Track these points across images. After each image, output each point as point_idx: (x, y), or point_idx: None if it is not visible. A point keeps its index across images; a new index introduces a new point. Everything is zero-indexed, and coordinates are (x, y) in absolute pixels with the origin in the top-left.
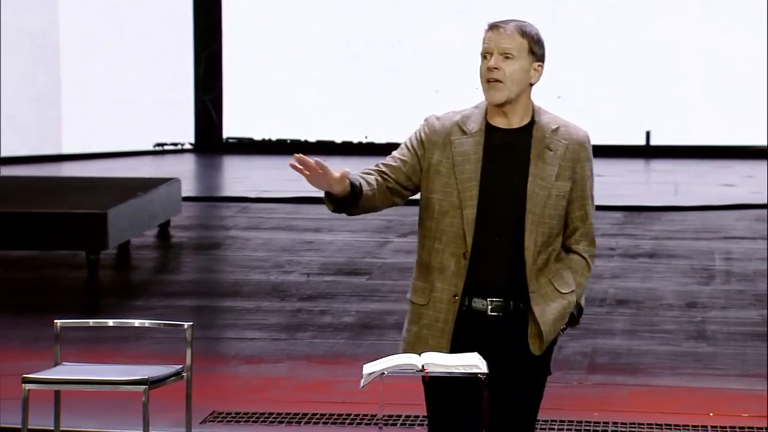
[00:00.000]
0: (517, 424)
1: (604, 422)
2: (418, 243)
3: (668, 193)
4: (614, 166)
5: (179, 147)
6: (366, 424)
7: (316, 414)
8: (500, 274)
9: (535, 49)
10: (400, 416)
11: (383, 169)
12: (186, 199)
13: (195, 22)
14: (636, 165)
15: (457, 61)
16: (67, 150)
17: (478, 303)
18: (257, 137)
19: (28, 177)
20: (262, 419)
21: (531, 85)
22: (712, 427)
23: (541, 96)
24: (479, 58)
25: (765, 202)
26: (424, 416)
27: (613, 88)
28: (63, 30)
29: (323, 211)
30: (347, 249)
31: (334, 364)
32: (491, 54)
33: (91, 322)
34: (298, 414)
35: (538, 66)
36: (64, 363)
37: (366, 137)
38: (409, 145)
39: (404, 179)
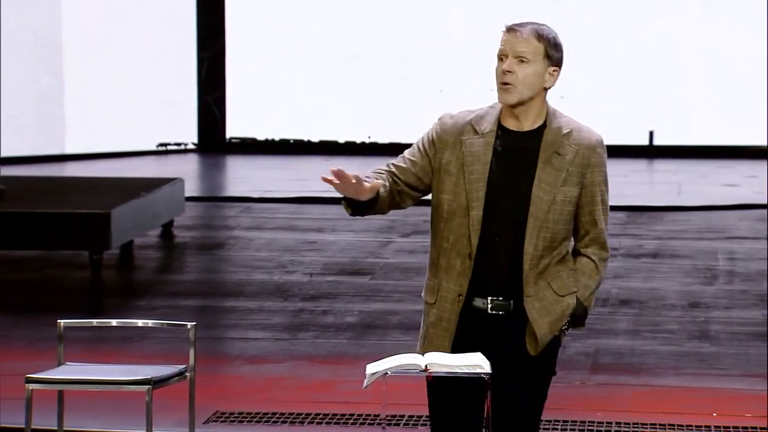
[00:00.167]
0: (519, 423)
1: (607, 422)
2: (430, 242)
3: (671, 193)
4: (617, 166)
5: (182, 147)
6: (369, 424)
7: (319, 414)
8: (501, 275)
9: (552, 53)
10: (403, 416)
11: (393, 170)
12: (189, 199)
13: (198, 22)
14: (639, 165)
15: (461, 61)
16: (70, 150)
17: (478, 302)
18: (260, 137)
19: (31, 177)
20: (265, 419)
21: (545, 89)
22: (715, 427)
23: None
24: (485, 59)
25: (766, 202)
26: (427, 416)
27: (616, 88)
28: (66, 30)
29: (326, 211)
30: (350, 249)
31: (336, 364)
32: (506, 56)
33: (95, 322)
34: (301, 414)
35: (554, 71)
36: (67, 363)
37: (369, 137)
38: (420, 146)
39: (414, 180)
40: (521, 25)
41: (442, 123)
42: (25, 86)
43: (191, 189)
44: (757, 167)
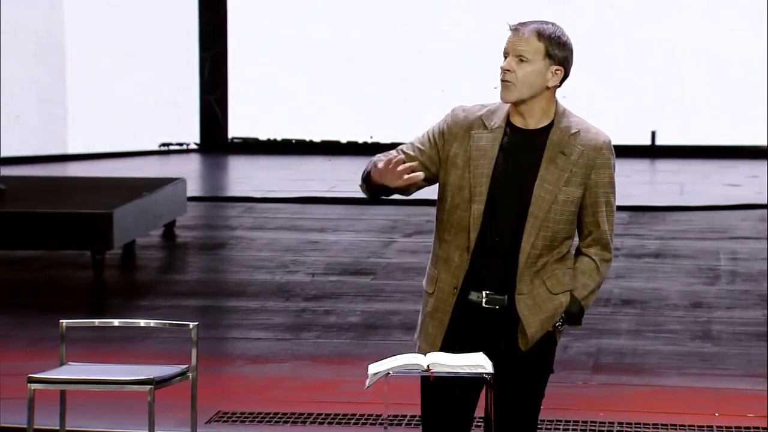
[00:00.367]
0: (515, 420)
1: (609, 422)
2: (434, 232)
3: (674, 193)
4: (619, 166)
5: (184, 147)
6: (371, 424)
7: (321, 414)
8: (497, 271)
9: (554, 52)
10: (405, 416)
11: (402, 157)
12: (191, 199)
13: (200, 22)
14: (641, 165)
15: (462, 60)
16: (72, 150)
17: (474, 295)
18: (262, 137)
19: (34, 177)
20: (267, 419)
21: (549, 88)
22: (718, 427)
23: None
24: (486, 58)
25: (765, 202)
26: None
27: (619, 88)
28: (68, 30)
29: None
30: (352, 249)
31: (339, 364)
32: (509, 55)
33: (97, 321)
34: (303, 414)
35: (557, 70)
36: (69, 363)
37: (371, 137)
38: (429, 135)
39: (420, 169)
40: (524, 24)
41: (454, 115)
42: (27, 86)
43: (193, 189)
44: (759, 167)
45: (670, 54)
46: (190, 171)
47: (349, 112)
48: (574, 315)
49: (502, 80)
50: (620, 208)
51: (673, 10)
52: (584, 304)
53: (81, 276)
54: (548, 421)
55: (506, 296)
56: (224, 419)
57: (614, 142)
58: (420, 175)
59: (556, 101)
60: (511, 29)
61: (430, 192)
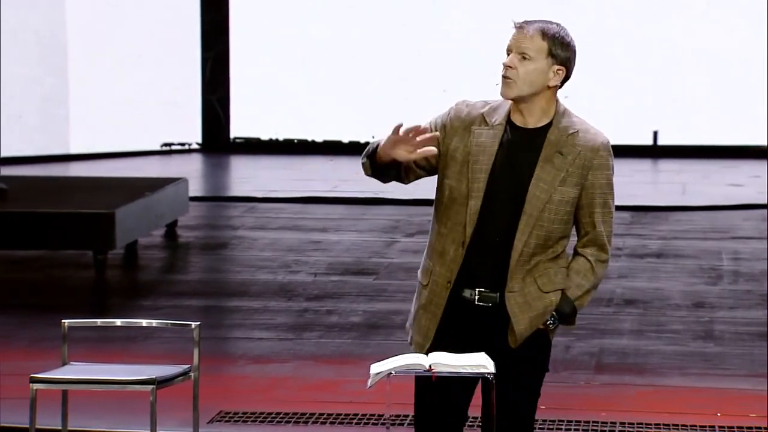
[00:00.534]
0: (510, 419)
1: (611, 422)
2: (431, 224)
3: (676, 192)
4: (621, 166)
5: (186, 147)
6: (373, 424)
7: (323, 414)
8: (490, 268)
9: (557, 51)
10: (408, 416)
11: (427, 126)
12: (193, 198)
13: (202, 22)
14: (643, 165)
15: (464, 60)
16: (74, 150)
17: (467, 292)
18: (264, 137)
19: (36, 177)
20: (269, 419)
21: (550, 87)
22: (720, 427)
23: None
24: (488, 58)
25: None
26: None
27: (621, 88)
28: (70, 30)
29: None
30: (354, 249)
31: (341, 363)
32: (512, 52)
33: (99, 321)
34: (305, 414)
35: (559, 69)
36: (71, 363)
37: (373, 137)
38: (431, 128)
39: (421, 160)
40: (529, 22)
41: (457, 109)
42: (29, 86)
43: (195, 189)
44: (761, 167)
45: (671, 54)
46: (192, 171)
47: (351, 112)
48: (566, 314)
49: (504, 76)
50: (622, 208)
51: (675, 10)
52: (578, 304)
53: (83, 276)
54: (550, 421)
55: (498, 294)
56: (226, 419)
57: (616, 142)
58: (433, 150)
59: (557, 101)
60: (515, 27)
61: (432, 192)
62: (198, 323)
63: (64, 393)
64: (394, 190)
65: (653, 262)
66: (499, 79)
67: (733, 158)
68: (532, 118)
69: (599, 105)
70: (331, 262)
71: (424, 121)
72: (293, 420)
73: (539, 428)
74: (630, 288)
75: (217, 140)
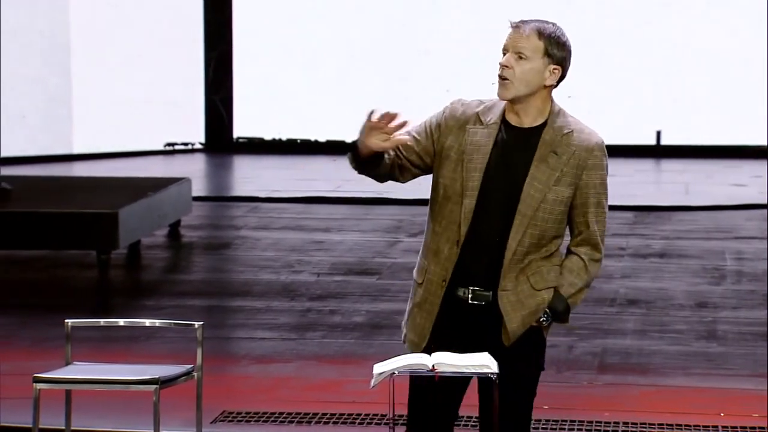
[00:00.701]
0: (506, 418)
1: (614, 422)
2: (426, 223)
3: (679, 192)
4: (625, 166)
5: (189, 147)
6: (376, 424)
7: (326, 414)
8: (484, 266)
9: (553, 51)
10: None
11: (396, 113)
12: (196, 198)
13: (205, 22)
14: (646, 165)
15: (467, 60)
16: (77, 150)
17: (460, 291)
18: (267, 137)
19: (39, 177)
20: (272, 419)
21: (546, 87)
22: (723, 427)
23: (552, 95)
24: (491, 57)
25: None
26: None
27: (624, 88)
28: (73, 30)
29: (333, 210)
30: (357, 249)
31: (344, 363)
32: (508, 51)
33: (102, 321)
34: (308, 414)
35: (555, 69)
36: (74, 362)
37: None
38: (427, 126)
39: (415, 158)
40: (525, 22)
41: (452, 108)
42: (32, 86)
43: (198, 189)
44: (764, 167)
45: (675, 54)
46: (195, 171)
47: (354, 111)
48: (559, 312)
49: (500, 76)
50: (625, 208)
51: (677, 10)
52: (571, 302)
53: (86, 276)
54: (553, 421)
55: (491, 292)
56: (229, 419)
57: (619, 142)
58: (406, 138)
59: (552, 101)
60: (512, 26)
61: None
62: (201, 323)
63: (68, 393)
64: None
65: (656, 262)
66: (496, 79)
67: (736, 158)
68: (527, 118)
69: (602, 105)
70: (334, 262)
71: (420, 120)
72: (296, 420)
73: (542, 428)
74: (633, 288)
75: (220, 140)
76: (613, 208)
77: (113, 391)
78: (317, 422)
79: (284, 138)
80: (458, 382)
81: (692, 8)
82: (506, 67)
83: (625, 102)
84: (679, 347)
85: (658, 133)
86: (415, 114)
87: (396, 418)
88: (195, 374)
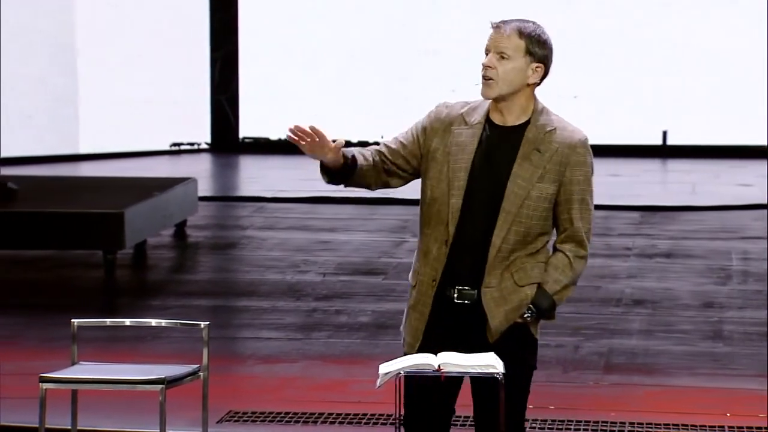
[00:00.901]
0: (496, 416)
1: (620, 422)
2: (419, 226)
3: (685, 192)
4: (631, 166)
5: (195, 147)
6: (382, 424)
7: (332, 414)
8: (470, 265)
9: (534, 50)
10: None
11: (383, 149)
12: (202, 198)
13: (211, 22)
14: (653, 165)
15: (472, 60)
16: (83, 150)
17: (449, 290)
18: (273, 137)
19: (45, 177)
20: (278, 419)
21: (529, 85)
22: (729, 427)
23: (558, 96)
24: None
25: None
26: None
27: (630, 88)
28: (79, 30)
29: (339, 210)
30: (363, 249)
31: (350, 363)
32: (490, 52)
33: (108, 321)
34: (314, 414)
35: (537, 67)
36: (81, 362)
37: (382, 137)
38: (412, 130)
39: (402, 162)
40: (506, 22)
41: (437, 111)
42: (39, 86)
43: (204, 189)
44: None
45: (682, 54)
46: (201, 171)
47: (360, 111)
48: (543, 309)
49: (484, 77)
50: (632, 208)
51: (684, 10)
52: (557, 298)
53: (92, 276)
54: (559, 421)
55: (477, 291)
56: (235, 419)
57: (625, 142)
58: (340, 141)
59: (536, 99)
60: (492, 27)
61: None
62: (207, 323)
63: (74, 393)
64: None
65: (662, 262)
66: (479, 80)
67: (743, 158)
68: (511, 117)
69: (609, 105)
70: (339, 262)
71: (407, 126)
72: (302, 420)
73: (548, 428)
74: (639, 288)
75: (226, 140)
76: (619, 208)
77: (119, 391)
78: (323, 422)
79: None
80: (452, 380)
81: (698, 9)
82: (489, 67)
83: (631, 102)
84: (685, 347)
85: (665, 133)
86: (423, 113)
87: (402, 418)
88: (201, 374)
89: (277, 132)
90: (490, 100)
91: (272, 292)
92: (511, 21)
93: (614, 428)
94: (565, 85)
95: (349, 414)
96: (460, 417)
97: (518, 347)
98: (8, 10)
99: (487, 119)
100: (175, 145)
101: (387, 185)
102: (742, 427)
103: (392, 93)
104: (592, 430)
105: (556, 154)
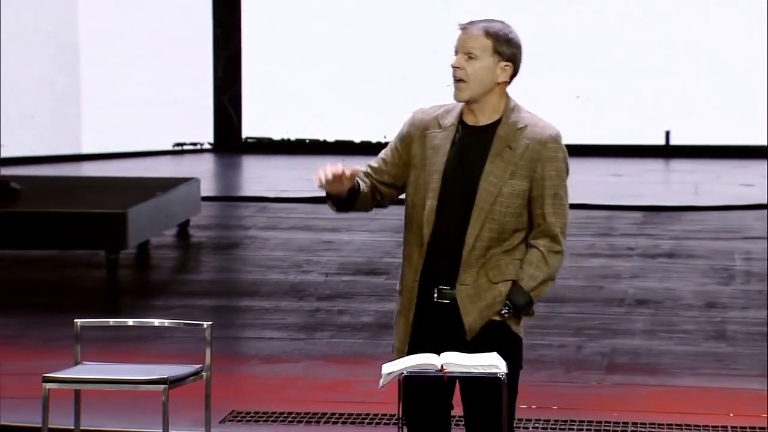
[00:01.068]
0: (486, 417)
1: (623, 422)
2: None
3: (688, 192)
4: (633, 166)
5: (198, 147)
6: (385, 424)
7: (334, 414)
8: (448, 265)
9: (502, 49)
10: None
11: (369, 171)
12: (205, 198)
13: (214, 22)
14: (655, 165)
15: None
16: (86, 150)
17: (431, 292)
18: (276, 137)
19: (48, 177)
20: (280, 419)
21: (499, 84)
22: (732, 427)
23: (560, 96)
24: None
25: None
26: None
27: (633, 88)
28: (82, 30)
29: None
30: (366, 249)
31: (352, 363)
32: (459, 53)
33: (111, 321)
34: (316, 414)
35: (505, 66)
36: (84, 362)
37: (385, 137)
38: (393, 145)
39: (389, 178)
40: (473, 23)
41: (413, 117)
42: (41, 86)
43: (207, 189)
44: None
45: (685, 54)
46: (203, 171)
47: (363, 111)
48: (520, 305)
49: (455, 79)
50: (634, 208)
51: (687, 9)
52: (534, 294)
53: (95, 276)
54: (562, 421)
55: (455, 290)
56: (238, 419)
57: (628, 142)
58: (356, 170)
59: (508, 97)
60: (460, 28)
61: None
62: (210, 323)
63: (77, 392)
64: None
65: (665, 262)
66: (451, 82)
67: (746, 158)
68: (483, 116)
69: (612, 105)
70: (342, 262)
71: (390, 137)
72: (305, 420)
73: (551, 428)
74: (642, 288)
75: (229, 140)
76: (621, 208)
77: (122, 391)
78: (326, 422)
79: (293, 138)
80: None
81: (702, 8)
82: (458, 68)
83: (634, 102)
84: (687, 347)
85: (667, 133)
86: None
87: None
88: (204, 374)
89: (280, 132)
90: (463, 102)
91: (275, 292)
92: (478, 21)
93: (617, 428)
94: (568, 85)
95: (352, 414)
96: (454, 417)
97: (498, 345)
98: (10, 9)
99: (461, 121)
100: (177, 145)
101: (381, 205)
102: (745, 428)
103: (394, 93)
104: (594, 430)
105: (527, 150)
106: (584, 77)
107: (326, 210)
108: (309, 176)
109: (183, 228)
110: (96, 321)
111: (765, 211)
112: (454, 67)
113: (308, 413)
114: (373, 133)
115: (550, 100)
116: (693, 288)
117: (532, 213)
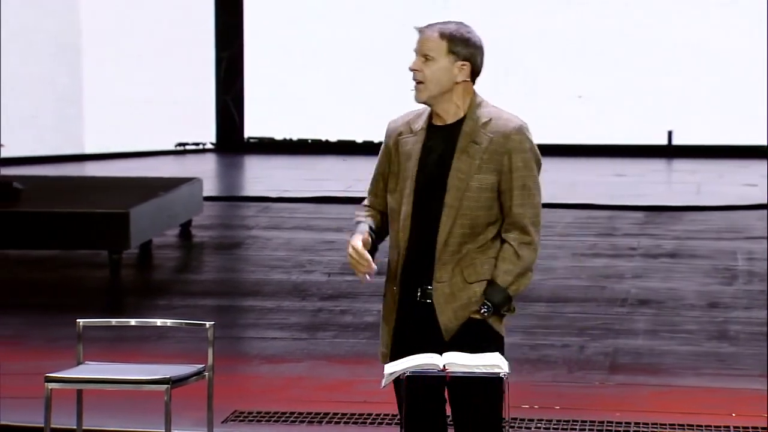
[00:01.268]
0: (470, 417)
1: (625, 422)
2: None
3: (690, 192)
4: (636, 166)
5: (201, 147)
6: (387, 423)
7: (337, 413)
8: (425, 265)
9: (457, 49)
10: None
11: (369, 203)
12: (207, 198)
13: (216, 22)
14: (658, 165)
15: None
16: (88, 150)
17: (412, 293)
18: (278, 137)
19: (50, 177)
20: (283, 419)
21: (458, 83)
22: (734, 427)
23: (562, 96)
24: (497, 56)
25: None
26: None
27: (636, 88)
28: (84, 30)
29: (344, 210)
30: None
31: (355, 363)
32: (417, 55)
33: (113, 321)
34: (319, 413)
35: (462, 65)
36: (86, 362)
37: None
38: (378, 167)
39: (383, 202)
40: (429, 26)
41: (388, 129)
42: (43, 86)
43: (209, 189)
44: None
45: (687, 54)
46: (206, 171)
47: (365, 111)
48: (498, 303)
49: (414, 81)
50: (637, 208)
51: (690, 10)
52: (512, 290)
53: (97, 275)
54: (564, 421)
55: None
56: (240, 419)
57: (631, 142)
58: (366, 238)
59: (474, 94)
60: (418, 31)
61: None
62: (212, 323)
63: (79, 392)
64: None
65: (667, 262)
66: (413, 85)
67: (748, 158)
68: (448, 115)
69: (614, 105)
70: (344, 262)
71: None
72: (307, 420)
73: (554, 428)
74: (644, 288)
75: (231, 140)
76: (623, 208)
77: (124, 391)
78: (328, 422)
79: (295, 138)
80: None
81: (704, 8)
82: (416, 70)
83: (636, 102)
84: (690, 347)
85: (670, 133)
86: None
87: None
88: (206, 374)
89: (282, 132)
90: (425, 104)
91: (277, 291)
92: (435, 24)
93: (619, 428)
94: (570, 85)
95: (355, 414)
96: (449, 416)
97: (479, 344)
98: (12, 9)
99: (429, 123)
100: (180, 145)
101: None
102: (747, 428)
103: (395, 93)
104: (597, 430)
105: (491, 143)
106: (586, 77)
107: (328, 210)
108: (311, 176)
109: (185, 228)
110: (98, 321)
111: (767, 212)
112: (412, 70)
113: (310, 413)
114: (374, 133)
115: (552, 100)
116: (695, 288)
117: (503, 205)
